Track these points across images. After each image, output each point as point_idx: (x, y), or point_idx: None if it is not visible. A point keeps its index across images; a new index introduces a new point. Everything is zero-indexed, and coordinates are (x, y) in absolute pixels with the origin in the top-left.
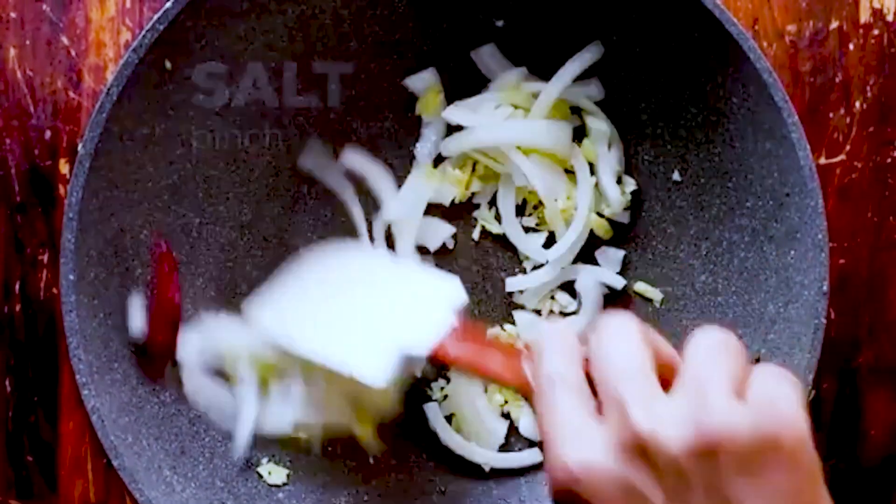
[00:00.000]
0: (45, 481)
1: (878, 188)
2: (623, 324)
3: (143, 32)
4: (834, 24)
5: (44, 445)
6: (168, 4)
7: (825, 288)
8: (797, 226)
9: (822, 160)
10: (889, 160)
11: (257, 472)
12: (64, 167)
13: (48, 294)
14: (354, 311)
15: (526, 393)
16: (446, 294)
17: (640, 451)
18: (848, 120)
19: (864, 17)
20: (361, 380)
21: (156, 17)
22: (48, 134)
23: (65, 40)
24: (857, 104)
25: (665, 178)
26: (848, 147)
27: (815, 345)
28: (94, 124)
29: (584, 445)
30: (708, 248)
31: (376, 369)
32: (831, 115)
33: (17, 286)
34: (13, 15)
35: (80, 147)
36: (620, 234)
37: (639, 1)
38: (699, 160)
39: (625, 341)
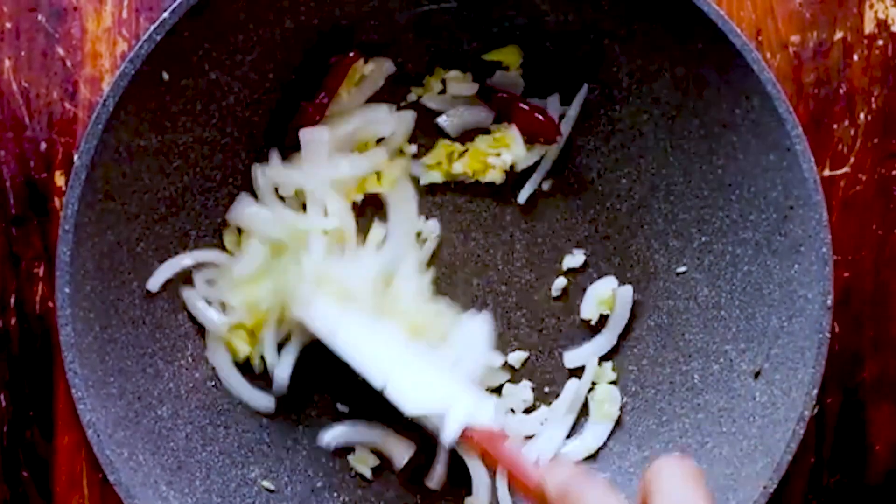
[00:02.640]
0: (41, 497)
1: (882, 200)
2: (694, 469)
3: (140, 43)
4: (838, 35)
5: (39, 461)
6: (165, 15)
7: (829, 302)
8: (801, 239)
9: (827, 172)
10: (894, 172)
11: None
12: (60, 179)
13: (44, 308)
14: (420, 349)
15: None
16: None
17: None
18: (852, 131)
19: (869, 27)
20: (393, 400)
21: (152, 27)
22: (43, 146)
23: (60, 51)
24: (862, 115)
25: (667, 191)
26: (852, 159)
27: (818, 359)
28: (90, 136)
29: None
30: (711, 261)
31: (413, 402)
32: (835, 126)
33: (12, 300)
34: (8, 25)
35: (75, 159)
36: (621, 247)
37: (641, 11)
38: (702, 172)
39: (696, 482)
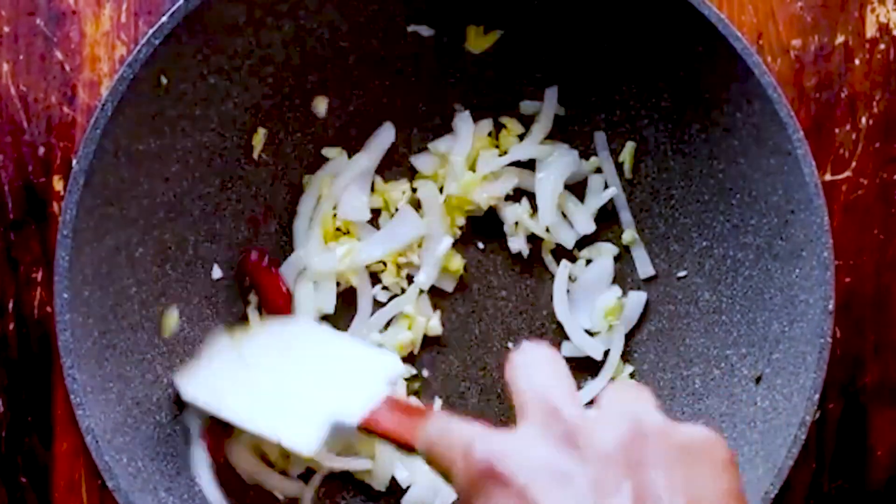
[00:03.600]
0: (40, 503)
1: (884, 205)
2: (547, 352)
3: (139, 47)
4: (840, 39)
5: (38, 466)
6: (164, 19)
7: (830, 306)
8: (802, 243)
9: (828, 176)
10: None
11: None
12: (58, 184)
13: (42, 313)
14: (287, 380)
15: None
16: (382, 367)
17: (572, 440)
18: (854, 136)
19: (871, 31)
20: (290, 447)
21: (151, 31)
22: (42, 150)
23: (59, 55)
24: (863, 120)
25: (668, 195)
26: (854, 163)
27: (820, 364)
28: (88, 140)
29: (506, 438)
30: (712, 265)
31: (305, 437)
32: (837, 130)
33: (10, 305)
34: (6, 29)
35: (74, 163)
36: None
37: (642, 15)
38: (703, 177)
39: (552, 363)
